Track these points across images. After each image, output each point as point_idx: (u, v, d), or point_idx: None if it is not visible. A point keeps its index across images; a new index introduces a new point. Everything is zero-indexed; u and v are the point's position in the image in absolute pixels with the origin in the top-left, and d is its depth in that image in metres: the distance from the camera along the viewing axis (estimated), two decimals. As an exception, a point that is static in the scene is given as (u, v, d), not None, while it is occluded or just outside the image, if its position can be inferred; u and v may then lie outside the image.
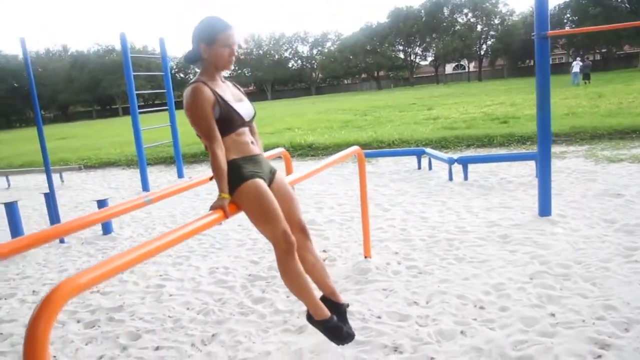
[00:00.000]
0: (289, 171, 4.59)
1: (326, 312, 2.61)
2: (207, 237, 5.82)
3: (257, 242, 5.45)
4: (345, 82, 74.65)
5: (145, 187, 9.25)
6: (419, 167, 8.65)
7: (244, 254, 5.11)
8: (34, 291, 4.65)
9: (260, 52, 75.07)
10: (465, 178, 7.34)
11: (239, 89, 2.70)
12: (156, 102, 61.40)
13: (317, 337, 3.22)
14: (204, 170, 10.99)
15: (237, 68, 76.18)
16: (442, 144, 10.46)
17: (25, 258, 5.68)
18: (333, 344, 3.09)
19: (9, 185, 11.59)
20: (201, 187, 8.41)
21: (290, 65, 75.52)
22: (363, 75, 71.12)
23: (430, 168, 8.44)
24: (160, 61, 10.65)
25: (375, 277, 4.10)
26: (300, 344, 3.20)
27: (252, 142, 2.58)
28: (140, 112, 9.32)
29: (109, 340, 3.53)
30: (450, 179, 7.49)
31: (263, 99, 71.27)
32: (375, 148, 10.78)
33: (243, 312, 3.77)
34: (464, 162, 7.35)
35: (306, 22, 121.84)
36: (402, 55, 66.04)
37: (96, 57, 68.49)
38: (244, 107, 2.57)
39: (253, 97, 74.96)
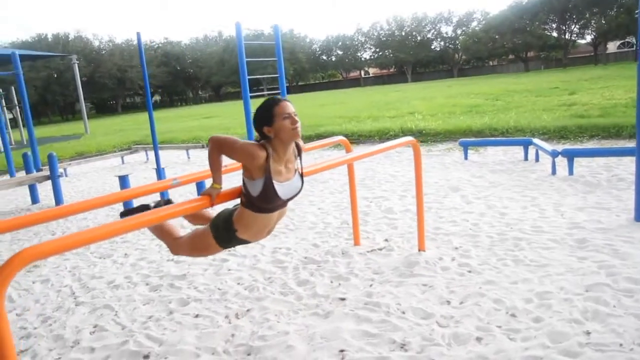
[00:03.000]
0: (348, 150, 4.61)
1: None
2: (288, 217, 6.09)
3: (328, 227, 5.57)
4: (490, 63, 70.53)
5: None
6: (526, 159, 8.04)
7: (310, 237, 5.27)
8: (125, 254, 5.30)
9: (402, 33, 73.98)
10: (570, 172, 6.67)
11: (298, 157, 2.77)
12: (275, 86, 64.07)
13: (335, 324, 3.29)
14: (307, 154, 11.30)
15: (378, 50, 76.08)
16: (562, 134, 9.55)
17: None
18: (344, 334, 3.14)
19: (147, 159, 13.09)
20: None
21: (432, 46, 73.38)
22: (510, 57, 66.59)
23: (537, 160, 7.80)
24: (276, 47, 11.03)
25: (421, 272, 4.00)
26: (317, 328, 3.27)
27: (268, 232, 2.82)
28: (251, 97, 9.89)
29: (163, 303, 3.94)
30: (554, 172, 6.86)
31: (402, 80, 70.40)
32: (487, 136, 10.22)
33: (283, 292, 3.93)
34: (569, 155, 6.68)
35: (451, 2, 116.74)
36: (555, 34, 60.47)
37: (246, 41, 73.05)
38: (287, 186, 2.63)
39: (392, 79, 74.46)
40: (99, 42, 67.75)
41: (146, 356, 3.15)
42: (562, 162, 7.12)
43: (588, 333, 2.86)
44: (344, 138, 4.67)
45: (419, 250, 4.41)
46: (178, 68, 72.37)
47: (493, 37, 61.49)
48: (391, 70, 79.26)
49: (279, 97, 2.60)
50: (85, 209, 2.82)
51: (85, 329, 3.60)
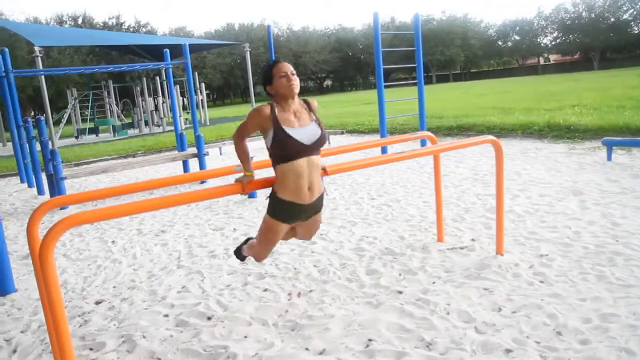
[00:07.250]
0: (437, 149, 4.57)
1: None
2: (391, 208, 6.21)
3: (423, 221, 5.56)
4: None
5: (384, 152, 10.01)
6: (683, 164, 6.95)
7: (401, 229, 5.32)
8: (234, 228, 5.92)
9: (592, 15, 66.43)
10: None
11: (311, 110, 3.01)
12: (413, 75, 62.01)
13: (378, 315, 3.39)
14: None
15: (561, 34, 69.49)
16: None
17: (252, 203, 7.13)
18: (380, 325, 3.25)
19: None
20: (412, 160, 8.70)
21: (629, 29, 64.62)
22: None
23: (697, 166, 6.70)
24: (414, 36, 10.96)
25: (488, 276, 3.86)
26: (361, 316, 3.40)
27: (309, 188, 2.92)
28: (385, 86, 10.03)
29: (243, 275, 4.40)
30: None
31: (588, 68, 63.32)
32: (647, 135, 8.97)
33: (349, 279, 4.11)
34: None
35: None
36: None
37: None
38: (303, 132, 2.85)
39: (575, 66, 67.32)
40: (278, 30, 72.76)
41: (209, 318, 3.61)
42: None
43: (633, 365, 2.57)
44: (430, 134, 4.63)
45: (497, 253, 4.23)
46: (350, 54, 74.53)
47: None
48: (575, 57, 71.83)
49: (278, 59, 3.03)
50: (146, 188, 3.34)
51: (174, 288, 4.21)
